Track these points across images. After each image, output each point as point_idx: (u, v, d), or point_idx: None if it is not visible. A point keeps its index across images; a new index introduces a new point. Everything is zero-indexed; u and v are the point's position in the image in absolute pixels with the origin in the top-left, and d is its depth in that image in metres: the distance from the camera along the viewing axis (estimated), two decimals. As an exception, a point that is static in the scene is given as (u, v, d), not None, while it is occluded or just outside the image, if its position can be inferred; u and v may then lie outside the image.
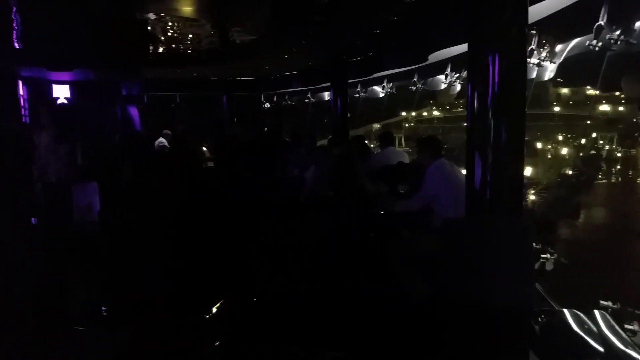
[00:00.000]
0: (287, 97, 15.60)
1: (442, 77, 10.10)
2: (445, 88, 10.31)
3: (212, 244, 5.19)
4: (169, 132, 13.40)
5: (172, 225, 5.03)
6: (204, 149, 13.69)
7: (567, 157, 24.83)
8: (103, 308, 4.29)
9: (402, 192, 5.15)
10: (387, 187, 5.14)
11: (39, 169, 5.20)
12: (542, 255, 6.82)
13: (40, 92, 11.93)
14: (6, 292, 3.90)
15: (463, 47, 7.95)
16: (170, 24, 9.43)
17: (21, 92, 11.54)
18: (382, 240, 4.43)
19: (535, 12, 5.76)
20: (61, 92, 12.37)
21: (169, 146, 12.19)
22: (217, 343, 3.70)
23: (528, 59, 6.16)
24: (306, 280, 4.10)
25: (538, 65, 7.20)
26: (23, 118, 11.42)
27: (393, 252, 4.38)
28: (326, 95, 13.88)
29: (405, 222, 4.67)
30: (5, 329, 3.61)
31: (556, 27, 6.65)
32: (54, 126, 5.26)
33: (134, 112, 13.82)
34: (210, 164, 11.43)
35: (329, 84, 11.44)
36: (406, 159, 6.45)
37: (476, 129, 4.10)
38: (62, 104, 11.18)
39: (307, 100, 14.88)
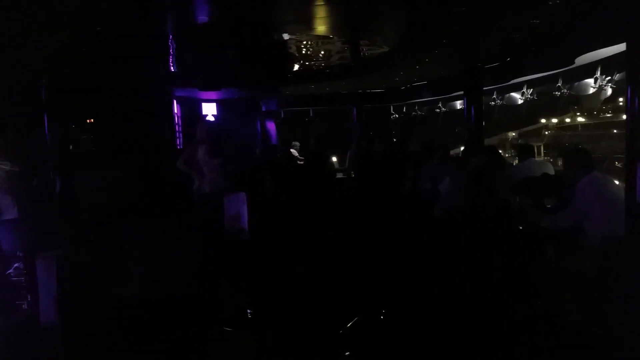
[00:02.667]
0: (416, 107, 15.40)
1: (590, 80, 9.24)
2: (594, 92, 9.43)
3: (347, 254, 5.29)
4: (298, 143, 13.99)
5: (312, 234, 5.24)
6: (335, 160, 14.04)
7: None
8: (249, 311, 4.56)
9: (548, 206, 4.78)
10: (531, 201, 4.81)
11: (197, 181, 5.78)
12: None
13: (192, 110, 13.29)
14: (167, 294, 4.37)
15: (616, 48, 7.26)
16: (305, 43, 9.91)
17: (175, 110, 12.96)
18: (528, 258, 4.15)
19: None
20: (209, 110, 13.66)
21: (299, 157, 12.71)
22: (348, 354, 3.77)
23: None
24: (446, 299, 3.99)
25: None
26: (177, 134, 12.81)
27: (540, 270, 4.08)
28: (458, 104, 13.44)
29: (553, 239, 4.32)
30: (164, 327, 4.05)
31: None
32: (208, 141, 5.79)
33: (272, 126, 14.72)
34: (341, 175, 11.69)
35: (461, 92, 11.05)
36: (551, 170, 5.98)
37: (638, 136, 3.66)
38: (212, 120, 12.31)
39: (437, 110, 14.54)
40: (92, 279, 3.98)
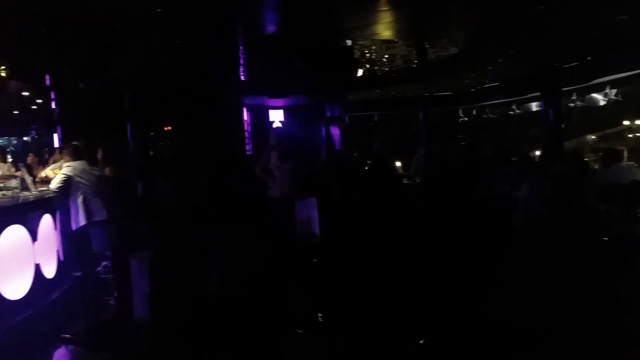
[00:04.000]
0: (487, 109, 14.90)
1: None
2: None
3: (419, 260, 5.19)
4: (363, 148, 13.94)
5: (381, 239, 5.19)
6: (399, 164, 13.85)
7: None
8: (319, 315, 4.59)
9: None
10: (620, 209, 4.49)
11: (270, 185, 5.91)
12: None
13: (260, 117, 13.66)
14: (242, 295, 4.49)
15: None
16: (369, 47, 9.94)
17: (245, 117, 13.38)
18: (616, 271, 3.88)
19: None
20: (276, 116, 13.98)
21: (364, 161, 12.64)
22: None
23: None
24: (525, 310, 3.81)
25: None
26: (246, 140, 13.19)
27: (629, 285, 3.81)
28: (533, 106, 12.86)
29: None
30: (239, 327, 4.16)
31: None
32: (278, 147, 5.92)
33: (336, 131, 14.83)
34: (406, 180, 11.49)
35: (537, 94, 10.59)
36: (640, 177, 5.57)
37: None
38: (283, 126, 12.60)
39: (511, 112, 14.00)
40: (178, 278, 4.16)
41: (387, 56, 10.74)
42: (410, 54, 10.37)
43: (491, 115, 14.84)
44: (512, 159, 6.87)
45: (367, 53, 10.48)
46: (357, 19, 7.32)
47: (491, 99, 14.00)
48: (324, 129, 14.70)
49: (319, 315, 4.55)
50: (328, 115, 14.96)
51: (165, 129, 11.77)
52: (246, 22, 7.36)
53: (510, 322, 3.82)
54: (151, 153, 11.14)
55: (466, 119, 15.67)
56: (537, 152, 10.98)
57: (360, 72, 11.91)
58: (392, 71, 11.66)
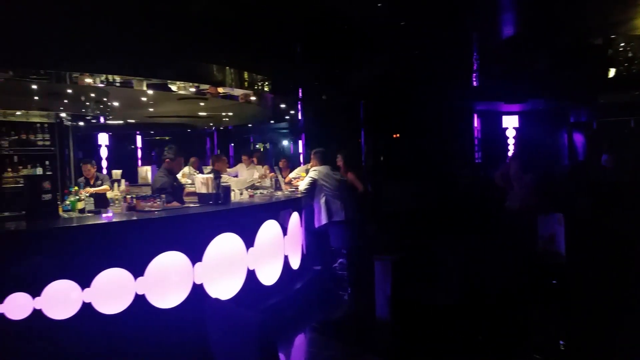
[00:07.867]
0: None
1: None
2: None
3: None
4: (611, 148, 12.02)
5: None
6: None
7: None
8: (561, 342, 4.16)
9: None
10: None
11: (508, 196, 5.55)
12: None
13: (491, 123, 13.01)
14: (478, 309, 4.30)
15: None
16: (627, 44, 8.61)
17: (475, 123, 12.93)
18: None
19: None
20: (510, 123, 13.11)
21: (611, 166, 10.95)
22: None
23: None
24: None
25: None
26: (475, 147, 12.73)
27: None
28: None
29: None
30: (474, 341, 3.99)
31: None
32: (521, 156, 5.51)
33: (581, 139, 13.21)
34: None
35: None
36: None
37: None
38: (524, 135, 11.78)
39: None
40: (416, 284, 4.23)
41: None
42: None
43: None
44: None
45: (623, 50, 9.12)
46: (612, 14, 6.42)
47: None
48: (566, 137, 13.28)
49: (561, 342, 4.12)
50: (572, 120, 13.44)
51: (394, 136, 12.12)
52: (484, 28, 7.11)
53: None
54: (381, 159, 11.60)
55: None
56: None
57: (613, 73, 10.42)
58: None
